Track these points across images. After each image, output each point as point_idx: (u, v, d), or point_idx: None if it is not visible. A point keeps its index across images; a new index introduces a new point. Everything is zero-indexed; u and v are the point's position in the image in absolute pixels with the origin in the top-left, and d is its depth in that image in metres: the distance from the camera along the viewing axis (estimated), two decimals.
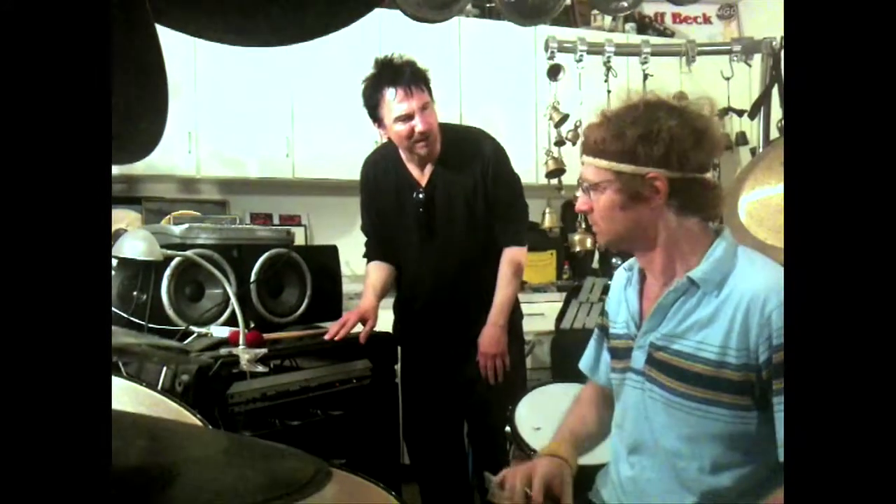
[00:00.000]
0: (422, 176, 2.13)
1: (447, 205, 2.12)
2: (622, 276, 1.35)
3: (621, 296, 1.32)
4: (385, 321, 2.35)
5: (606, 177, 1.17)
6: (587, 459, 1.37)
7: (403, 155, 2.13)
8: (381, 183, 2.20)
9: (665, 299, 1.19)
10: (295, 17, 0.53)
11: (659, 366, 1.19)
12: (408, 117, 1.99)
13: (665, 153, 1.12)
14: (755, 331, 1.08)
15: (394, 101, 1.98)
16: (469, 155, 2.12)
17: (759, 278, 1.12)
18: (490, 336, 2.10)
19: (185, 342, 1.89)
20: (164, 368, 1.66)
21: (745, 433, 1.12)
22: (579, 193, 1.24)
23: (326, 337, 2.04)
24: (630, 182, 1.14)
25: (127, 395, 1.26)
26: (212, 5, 0.53)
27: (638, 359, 1.23)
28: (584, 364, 1.46)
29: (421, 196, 2.13)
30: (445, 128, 2.13)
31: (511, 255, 2.15)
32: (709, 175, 1.18)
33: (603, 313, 1.41)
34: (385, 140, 2.17)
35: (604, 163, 1.16)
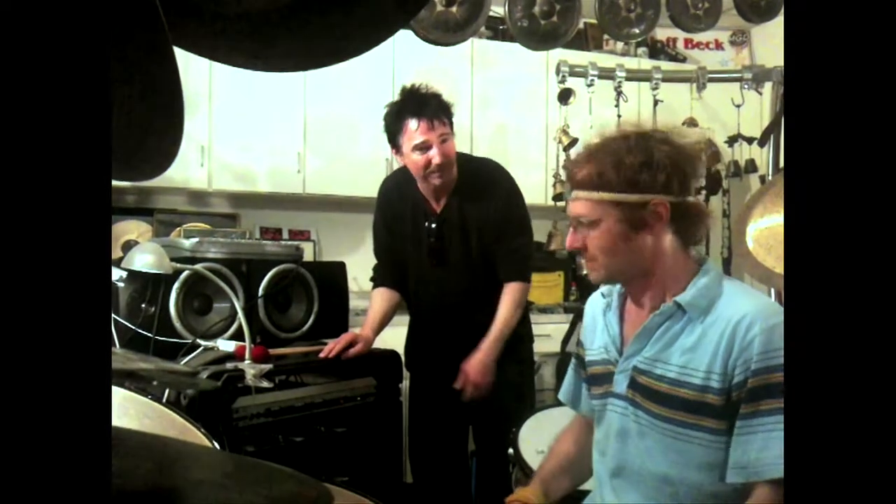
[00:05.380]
0: (437, 205, 2.14)
1: (459, 235, 2.12)
2: (599, 302, 1.34)
3: (598, 321, 1.32)
4: (393, 339, 2.35)
5: (604, 209, 1.16)
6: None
7: (419, 183, 2.14)
8: (396, 208, 2.21)
9: (650, 322, 1.19)
10: (310, 46, 0.54)
11: (643, 390, 1.19)
12: (426, 147, 2.00)
13: (667, 179, 1.14)
14: (735, 352, 1.09)
15: (415, 132, 1.99)
16: (484, 189, 2.12)
17: (745, 303, 1.13)
18: (479, 363, 2.07)
19: (192, 355, 1.90)
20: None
21: (723, 459, 1.11)
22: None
23: (321, 355, 2.04)
24: (632, 211, 1.15)
25: (132, 407, 1.26)
26: (230, 32, 0.54)
27: (620, 383, 1.23)
28: (563, 395, 1.46)
29: (434, 225, 2.13)
30: (463, 159, 2.13)
31: (512, 288, 2.13)
32: (698, 199, 1.23)
33: (578, 343, 1.40)
34: (401, 164, 2.18)
35: (603, 194, 1.16)
